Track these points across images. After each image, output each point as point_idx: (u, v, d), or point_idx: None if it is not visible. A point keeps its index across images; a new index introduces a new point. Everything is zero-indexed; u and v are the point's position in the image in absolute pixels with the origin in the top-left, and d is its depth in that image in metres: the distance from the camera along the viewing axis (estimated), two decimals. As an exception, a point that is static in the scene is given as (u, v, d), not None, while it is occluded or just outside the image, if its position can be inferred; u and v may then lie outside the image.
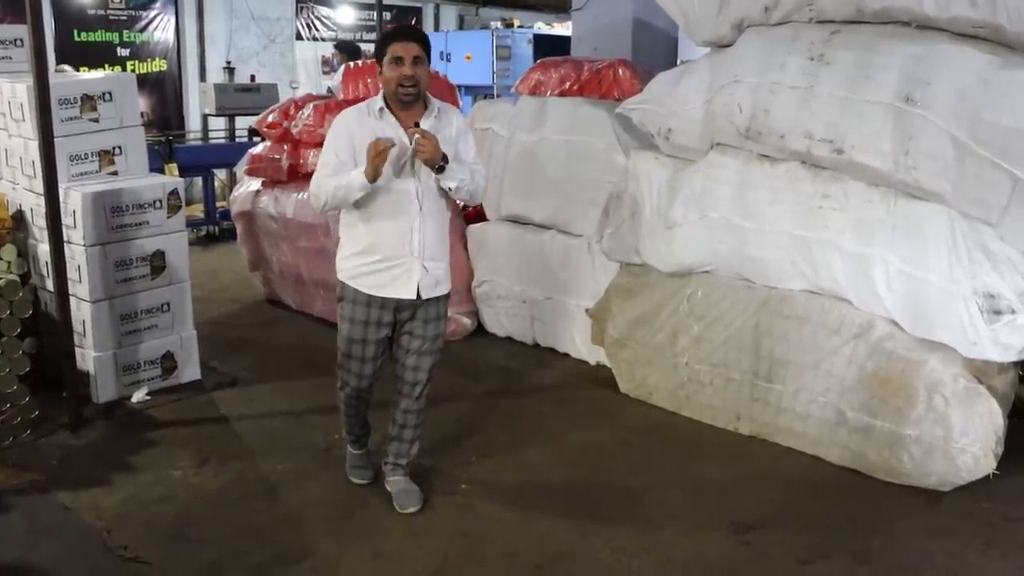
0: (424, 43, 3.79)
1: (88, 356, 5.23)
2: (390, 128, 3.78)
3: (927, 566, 3.72)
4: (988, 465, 4.19)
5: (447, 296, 4.04)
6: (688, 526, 4.01)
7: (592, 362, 5.99)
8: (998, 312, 3.99)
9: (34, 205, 5.30)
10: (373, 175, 3.65)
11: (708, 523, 4.04)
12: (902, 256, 4.19)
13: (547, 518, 4.07)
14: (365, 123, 3.83)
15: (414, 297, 3.87)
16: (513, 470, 4.57)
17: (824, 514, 4.12)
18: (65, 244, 4.93)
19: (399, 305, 3.90)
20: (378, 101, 3.85)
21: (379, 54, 3.83)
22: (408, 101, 3.77)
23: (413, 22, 16.97)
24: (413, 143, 3.69)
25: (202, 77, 13.75)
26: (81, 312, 5.19)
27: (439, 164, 3.70)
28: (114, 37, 12.96)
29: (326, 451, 4.65)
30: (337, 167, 3.80)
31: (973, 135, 3.93)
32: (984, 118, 3.92)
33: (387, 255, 3.83)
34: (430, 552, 3.80)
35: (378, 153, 3.61)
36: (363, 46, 15.27)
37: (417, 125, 3.73)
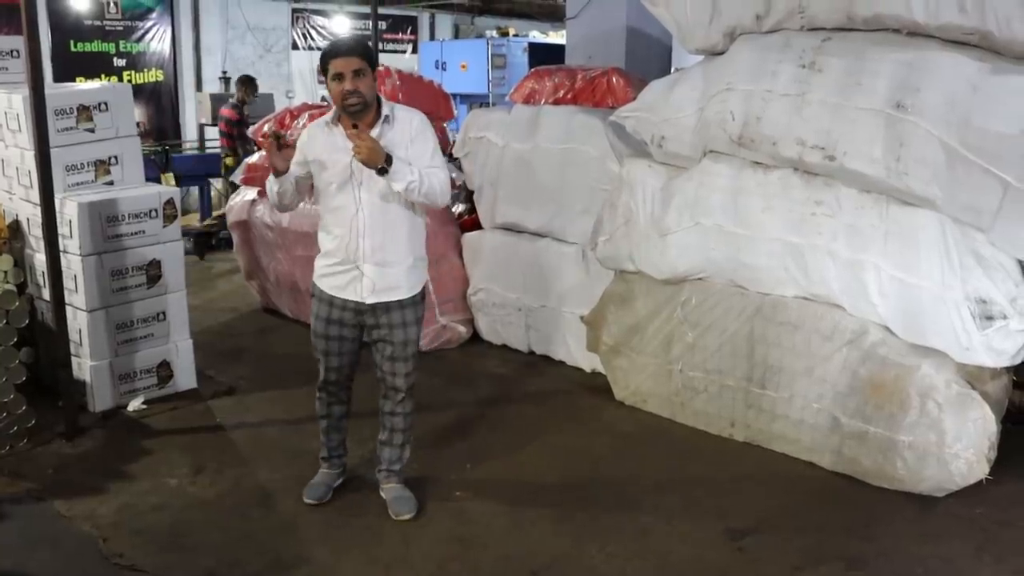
0: (364, 54, 3.81)
1: (84, 365, 5.23)
2: (339, 138, 3.85)
3: (921, 571, 3.73)
4: (981, 470, 4.21)
5: (414, 301, 4.03)
6: (682, 532, 4.02)
7: (587, 369, 6.00)
8: (990, 317, 4.01)
9: (30, 215, 5.32)
10: (274, 168, 3.88)
11: (702, 529, 4.05)
12: (894, 262, 4.21)
13: (542, 524, 4.08)
14: (317, 136, 3.96)
15: (365, 301, 3.93)
16: (508, 476, 4.58)
17: (818, 520, 4.13)
18: (61, 254, 4.95)
19: (358, 308, 3.97)
20: (331, 114, 3.95)
21: (323, 70, 3.86)
22: (355, 112, 3.80)
23: (408, 31, 17.03)
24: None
25: (198, 87, 13.81)
26: (77, 321, 5.20)
27: (380, 166, 3.71)
28: (110, 47, 13.01)
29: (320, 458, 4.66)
30: (292, 173, 3.99)
31: (963, 141, 3.95)
32: (974, 124, 3.94)
33: (341, 259, 3.93)
34: (425, 558, 3.81)
35: (269, 146, 3.84)
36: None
37: (355, 127, 3.77)
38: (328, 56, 3.81)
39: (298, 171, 3.98)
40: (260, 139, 7.31)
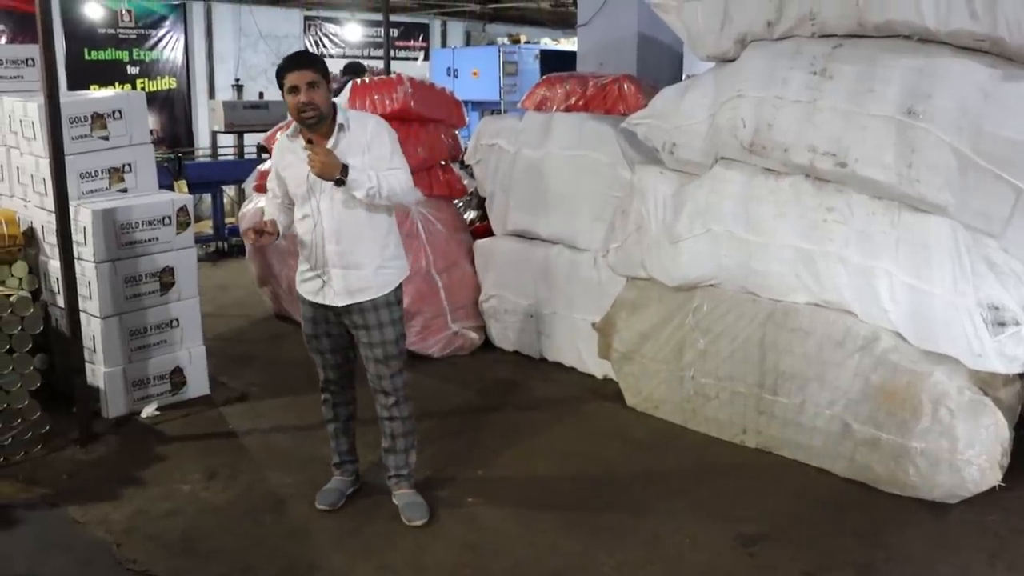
0: (317, 67, 3.87)
1: (98, 371, 5.26)
2: (298, 150, 3.93)
3: (933, 578, 3.73)
4: (994, 477, 4.20)
5: (389, 302, 4.07)
6: (694, 538, 4.02)
7: (599, 376, 6.00)
8: (1003, 324, 3.99)
9: (45, 222, 5.35)
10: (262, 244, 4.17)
11: (714, 536, 4.04)
12: (906, 268, 4.20)
13: (553, 531, 4.09)
14: (285, 149, 4.06)
15: (336, 304, 4.02)
16: (519, 483, 4.58)
17: (830, 526, 4.12)
18: (75, 261, 4.98)
19: (336, 311, 4.06)
20: (292, 126, 4.02)
21: (279, 84, 3.90)
22: (312, 123, 3.86)
23: (420, 38, 17.07)
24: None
25: (211, 94, 13.85)
26: (91, 328, 5.23)
27: (336, 177, 3.78)
28: (124, 55, 13.07)
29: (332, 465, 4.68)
30: (272, 198, 4.19)
31: (975, 147, 3.95)
32: (986, 130, 3.94)
33: (311, 265, 4.05)
34: (437, 566, 3.82)
35: (254, 240, 4.03)
36: (371, 63, 15.40)
37: (310, 142, 3.85)
38: (283, 70, 3.88)
39: (279, 189, 4.11)
40: (272, 147, 7.33)
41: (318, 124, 3.86)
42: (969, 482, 4.19)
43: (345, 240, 3.95)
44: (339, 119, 3.93)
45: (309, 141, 3.86)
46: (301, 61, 3.89)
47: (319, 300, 4.06)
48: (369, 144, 3.93)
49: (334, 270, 3.97)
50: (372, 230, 4.01)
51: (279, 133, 7.24)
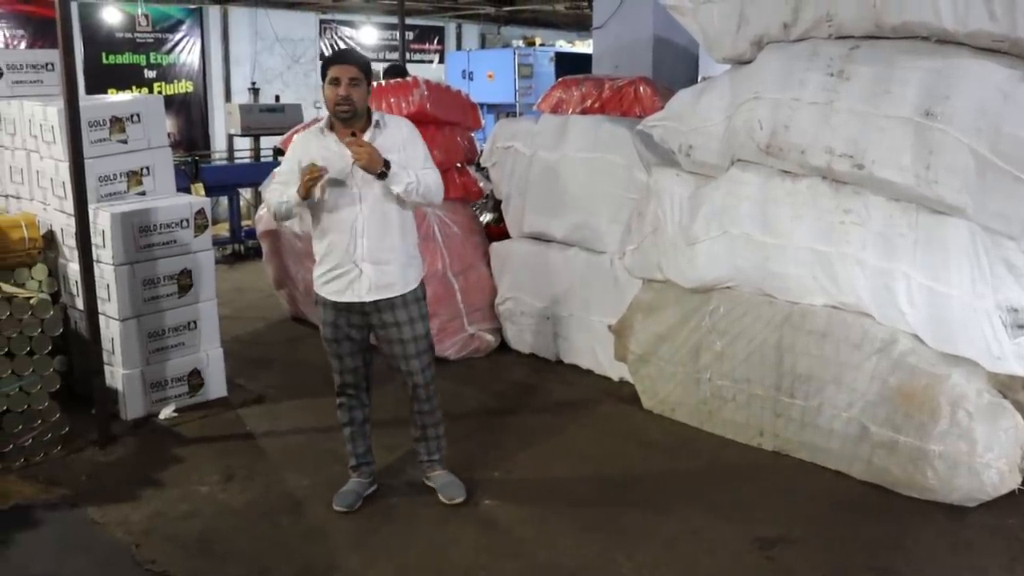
0: (362, 66, 4.01)
1: (117, 373, 5.29)
2: (332, 144, 4.00)
3: (952, 581, 3.72)
4: (1014, 480, 4.18)
5: (416, 298, 4.17)
6: (711, 541, 4.01)
7: (615, 378, 6.00)
8: (1021, 326, 3.97)
9: (64, 225, 5.39)
10: (304, 195, 3.91)
11: (731, 539, 4.04)
12: (924, 271, 4.18)
13: (570, 533, 4.09)
14: (311, 141, 4.10)
15: (366, 300, 4.06)
16: (536, 485, 4.59)
17: (847, 530, 4.11)
18: (94, 263, 5.02)
19: (361, 308, 4.08)
20: (324, 122, 4.10)
21: (322, 75, 4.04)
22: (345, 118, 3.98)
23: (436, 41, 17.10)
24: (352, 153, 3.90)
25: (227, 98, 13.90)
26: (110, 330, 5.26)
27: (380, 170, 3.89)
28: (141, 59, 13.14)
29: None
30: (285, 182, 4.07)
31: (994, 149, 3.93)
32: (1005, 131, 3.92)
33: (338, 262, 4.06)
34: (454, 567, 3.83)
35: (309, 177, 3.86)
36: (387, 66, 15.43)
37: (354, 135, 3.94)
38: (330, 62, 4.04)
39: (290, 176, 4.08)
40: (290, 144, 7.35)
41: (352, 120, 3.98)
42: (988, 485, 4.17)
43: (377, 235, 4.03)
44: (375, 117, 4.06)
45: (352, 134, 3.95)
46: (348, 57, 4.10)
47: (345, 299, 4.07)
48: (404, 144, 4.07)
49: (365, 264, 4.01)
50: (400, 227, 4.12)
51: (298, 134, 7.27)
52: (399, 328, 4.12)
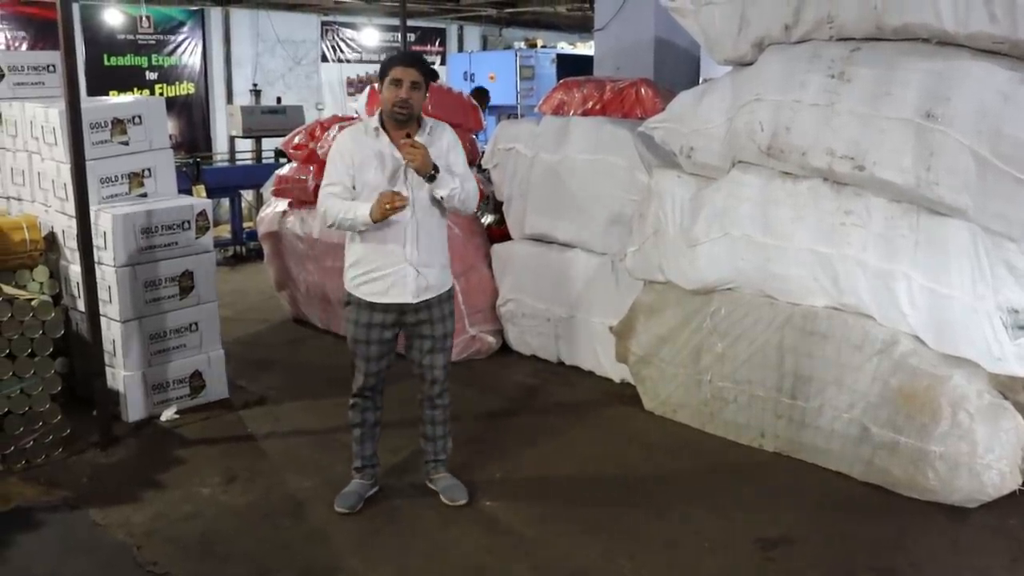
0: (424, 71, 4.06)
1: (118, 375, 5.30)
2: (384, 146, 4.03)
3: (953, 583, 3.72)
4: (1014, 481, 4.18)
5: (450, 296, 4.26)
6: (712, 543, 4.01)
7: (616, 380, 6.00)
8: (1022, 327, 3.98)
9: (66, 227, 5.40)
10: (379, 219, 3.90)
11: (733, 540, 4.04)
12: (925, 272, 4.18)
13: (572, 534, 4.09)
14: (362, 141, 4.10)
15: (411, 301, 4.08)
16: (537, 486, 4.59)
17: (849, 530, 4.11)
18: (96, 265, 5.02)
19: (401, 309, 4.11)
20: (374, 121, 4.12)
21: (382, 75, 4.06)
22: (401, 120, 4.01)
23: (437, 43, 17.11)
24: (404, 154, 3.93)
25: (229, 99, 13.92)
26: (111, 332, 5.26)
27: (430, 173, 3.93)
28: (143, 61, 13.16)
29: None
30: (341, 190, 4.06)
31: (994, 150, 3.93)
32: (1005, 133, 3.92)
33: (382, 263, 4.06)
34: (456, 569, 3.83)
35: (391, 207, 3.86)
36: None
37: (409, 136, 3.97)
38: (393, 62, 4.06)
39: (347, 179, 4.08)
40: (291, 151, 7.37)
41: (406, 122, 4.01)
42: (989, 486, 4.17)
43: (426, 238, 4.09)
44: (427, 123, 4.12)
45: (408, 135, 3.98)
46: (413, 61, 4.13)
47: (386, 300, 4.08)
48: (447, 152, 4.12)
49: (409, 267, 4.05)
50: (440, 232, 4.22)
51: (298, 136, 7.28)
52: (432, 325, 4.17)
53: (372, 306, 4.10)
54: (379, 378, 4.27)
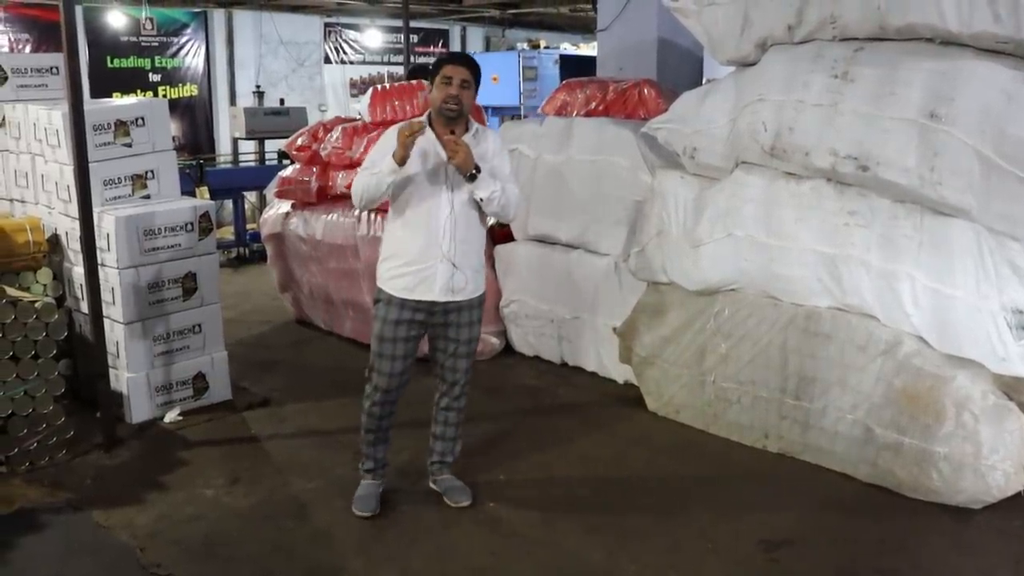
0: (475, 71, 4.09)
1: (122, 377, 5.30)
2: (428, 142, 4.03)
3: (957, 584, 3.71)
4: (1019, 482, 4.18)
5: (481, 302, 4.24)
6: (716, 544, 4.01)
7: (620, 381, 5.99)
8: (1027, 327, 3.97)
9: (69, 229, 5.40)
10: (402, 156, 3.90)
11: (736, 541, 4.03)
12: (929, 272, 4.18)
13: (575, 536, 4.09)
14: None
15: (438, 299, 4.07)
16: (541, 488, 4.58)
17: (853, 532, 4.10)
18: (99, 267, 5.02)
19: (430, 308, 4.08)
20: (423, 118, 4.13)
21: (433, 74, 4.10)
22: (450, 117, 4.02)
23: (440, 44, 17.12)
24: (446, 149, 3.94)
25: (232, 101, 13.94)
26: (115, 333, 5.27)
27: (470, 172, 3.93)
28: (146, 63, 13.18)
29: (356, 470, 4.68)
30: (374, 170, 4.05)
31: (998, 150, 3.92)
32: (1009, 133, 3.92)
33: (415, 258, 4.05)
34: (459, 570, 3.82)
35: (410, 134, 3.87)
36: (391, 68, 15.44)
37: (452, 133, 3.99)
38: (445, 61, 4.11)
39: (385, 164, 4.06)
40: (294, 153, 7.37)
41: (454, 120, 4.03)
42: (993, 487, 4.16)
43: (463, 237, 4.08)
44: (475, 126, 4.15)
45: (452, 132, 3.99)
46: (464, 60, 4.16)
47: (415, 296, 4.06)
48: (492, 157, 4.13)
49: (445, 263, 4.04)
50: (479, 233, 4.20)
51: (300, 138, 7.27)
52: (458, 328, 4.16)
53: (403, 303, 4.07)
54: (400, 381, 4.19)
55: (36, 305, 4.80)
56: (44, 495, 4.47)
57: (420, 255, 4.03)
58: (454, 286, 4.07)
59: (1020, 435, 4.14)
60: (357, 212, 6.45)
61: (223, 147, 13.91)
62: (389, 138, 4.08)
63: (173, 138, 6.26)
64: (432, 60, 16.78)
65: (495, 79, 14.99)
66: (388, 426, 4.35)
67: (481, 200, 4.04)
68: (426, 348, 4.29)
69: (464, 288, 4.11)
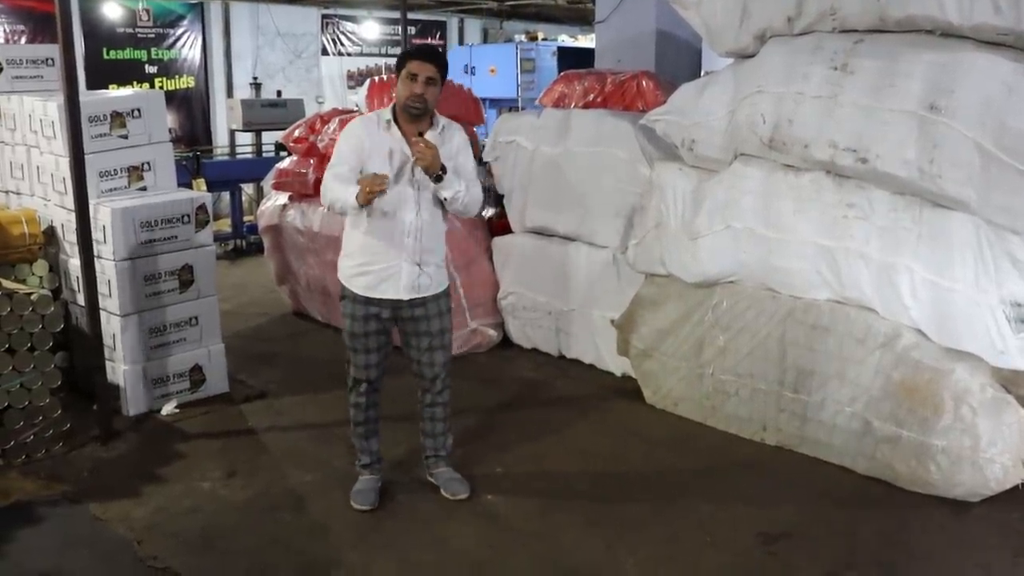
0: (440, 66, 4.02)
1: (118, 369, 5.29)
2: (394, 140, 3.99)
3: (956, 577, 3.70)
4: (1017, 475, 4.17)
5: (446, 293, 4.22)
6: (714, 536, 4.00)
7: (618, 373, 5.99)
8: (1026, 321, 3.97)
9: (65, 221, 5.38)
10: (364, 203, 3.85)
11: (734, 534, 4.03)
12: (927, 265, 4.17)
13: (572, 529, 4.08)
14: (373, 131, 4.06)
15: (402, 298, 4.05)
16: (538, 481, 4.58)
17: (851, 525, 4.10)
18: (95, 259, 5.00)
19: (394, 304, 4.08)
20: (387, 113, 4.08)
21: (398, 68, 4.04)
22: (415, 115, 3.98)
23: (438, 36, 17.08)
24: (414, 152, 3.88)
25: (229, 93, 13.89)
26: (111, 326, 5.25)
27: (437, 173, 3.89)
28: (142, 55, 13.13)
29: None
30: (347, 172, 3.99)
31: (998, 143, 3.91)
32: (1010, 126, 3.90)
33: (378, 257, 4.03)
34: (456, 563, 3.82)
35: (371, 190, 3.79)
36: (388, 60, 15.39)
37: (421, 135, 3.93)
38: (409, 56, 4.04)
39: (354, 163, 4.02)
40: (291, 145, 7.35)
41: (419, 117, 3.99)
42: (991, 480, 4.16)
43: (427, 237, 4.05)
44: (440, 121, 4.09)
45: (420, 133, 3.95)
46: (429, 55, 4.08)
47: (378, 295, 4.06)
48: (456, 154, 4.08)
49: (406, 264, 4.02)
50: (440, 231, 4.17)
51: (298, 129, 7.26)
52: (428, 321, 4.14)
53: (367, 300, 4.08)
54: (378, 371, 4.24)
55: (32, 297, 4.79)
56: (41, 488, 4.46)
57: (384, 254, 4.02)
58: (419, 284, 4.07)
59: (1018, 428, 4.13)
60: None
61: (220, 139, 13.86)
62: (355, 134, 4.07)
63: (170, 130, 6.23)
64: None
65: (493, 71, 14.97)
66: (376, 417, 4.36)
67: (445, 200, 4.01)
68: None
69: (429, 285, 4.10)
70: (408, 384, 4.43)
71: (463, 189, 3.99)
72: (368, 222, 4.02)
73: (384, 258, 4.01)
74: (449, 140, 4.08)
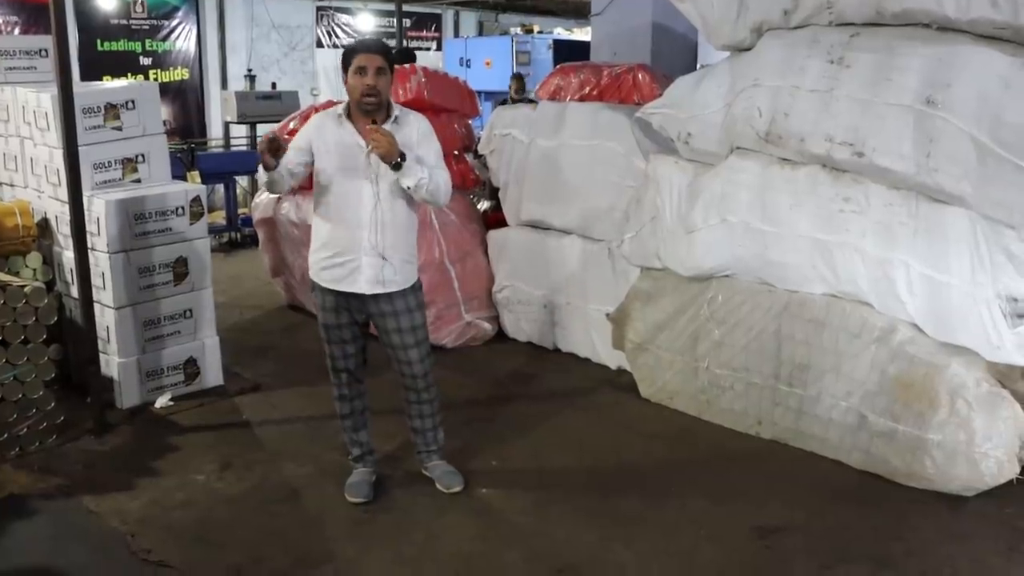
0: (387, 56, 3.97)
1: (112, 362, 5.27)
2: (347, 134, 3.97)
3: (950, 571, 3.70)
4: (1012, 470, 4.17)
5: (413, 288, 4.16)
6: (709, 530, 4.00)
7: (613, 367, 5.98)
8: (1021, 316, 3.96)
9: (59, 213, 5.36)
10: (267, 167, 3.85)
11: (730, 527, 4.03)
12: (923, 259, 4.17)
13: (567, 522, 4.08)
14: (326, 127, 4.04)
15: (366, 292, 4.02)
16: (533, 475, 4.57)
17: (846, 519, 4.10)
18: (89, 251, 4.99)
19: (360, 299, 4.05)
20: (340, 108, 4.05)
21: (345, 64, 3.99)
22: (369, 110, 3.94)
23: (433, 28, 17.05)
24: (368, 139, 3.85)
25: (223, 85, 13.87)
26: (105, 318, 5.23)
27: (395, 161, 3.82)
28: (136, 46, 13.10)
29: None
30: (289, 157, 3.98)
31: (995, 137, 3.90)
32: (1006, 120, 3.90)
33: (340, 251, 4.02)
34: (451, 556, 3.81)
35: (261, 148, 3.80)
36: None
37: (374, 123, 3.89)
38: (354, 52, 3.97)
39: (297, 158, 4.01)
40: (286, 137, 7.32)
41: (376, 110, 3.94)
42: (986, 475, 4.16)
43: (389, 229, 4.00)
44: (396, 111, 4.03)
45: (373, 122, 3.90)
46: (373, 46, 4.02)
47: (343, 288, 4.04)
48: (420, 141, 4.03)
49: (366, 257, 3.98)
50: (407, 224, 4.11)
51: (292, 122, 7.24)
52: (396, 318, 4.09)
53: (336, 293, 4.07)
54: (356, 361, 4.24)
55: (25, 290, 4.77)
56: (34, 481, 4.45)
57: (346, 247, 3.99)
58: (384, 278, 4.01)
59: (1013, 423, 4.13)
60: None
61: (214, 131, 13.83)
62: (309, 126, 4.08)
63: (164, 122, 6.22)
64: (423, 45, 16.81)
65: (488, 64, 14.95)
66: (362, 408, 4.36)
67: (408, 188, 3.92)
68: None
69: (394, 279, 4.04)
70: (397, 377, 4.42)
71: (426, 176, 3.90)
72: (328, 217, 4.02)
73: (348, 251, 3.99)
74: (406, 127, 4.01)
